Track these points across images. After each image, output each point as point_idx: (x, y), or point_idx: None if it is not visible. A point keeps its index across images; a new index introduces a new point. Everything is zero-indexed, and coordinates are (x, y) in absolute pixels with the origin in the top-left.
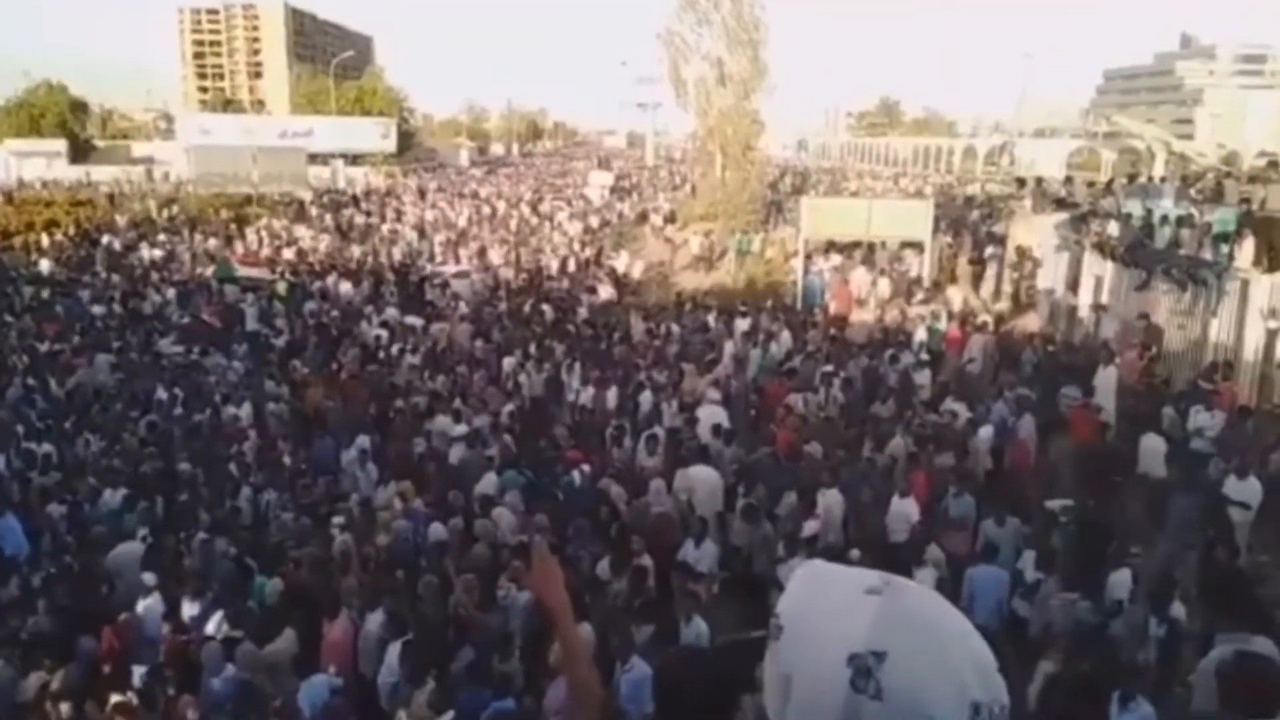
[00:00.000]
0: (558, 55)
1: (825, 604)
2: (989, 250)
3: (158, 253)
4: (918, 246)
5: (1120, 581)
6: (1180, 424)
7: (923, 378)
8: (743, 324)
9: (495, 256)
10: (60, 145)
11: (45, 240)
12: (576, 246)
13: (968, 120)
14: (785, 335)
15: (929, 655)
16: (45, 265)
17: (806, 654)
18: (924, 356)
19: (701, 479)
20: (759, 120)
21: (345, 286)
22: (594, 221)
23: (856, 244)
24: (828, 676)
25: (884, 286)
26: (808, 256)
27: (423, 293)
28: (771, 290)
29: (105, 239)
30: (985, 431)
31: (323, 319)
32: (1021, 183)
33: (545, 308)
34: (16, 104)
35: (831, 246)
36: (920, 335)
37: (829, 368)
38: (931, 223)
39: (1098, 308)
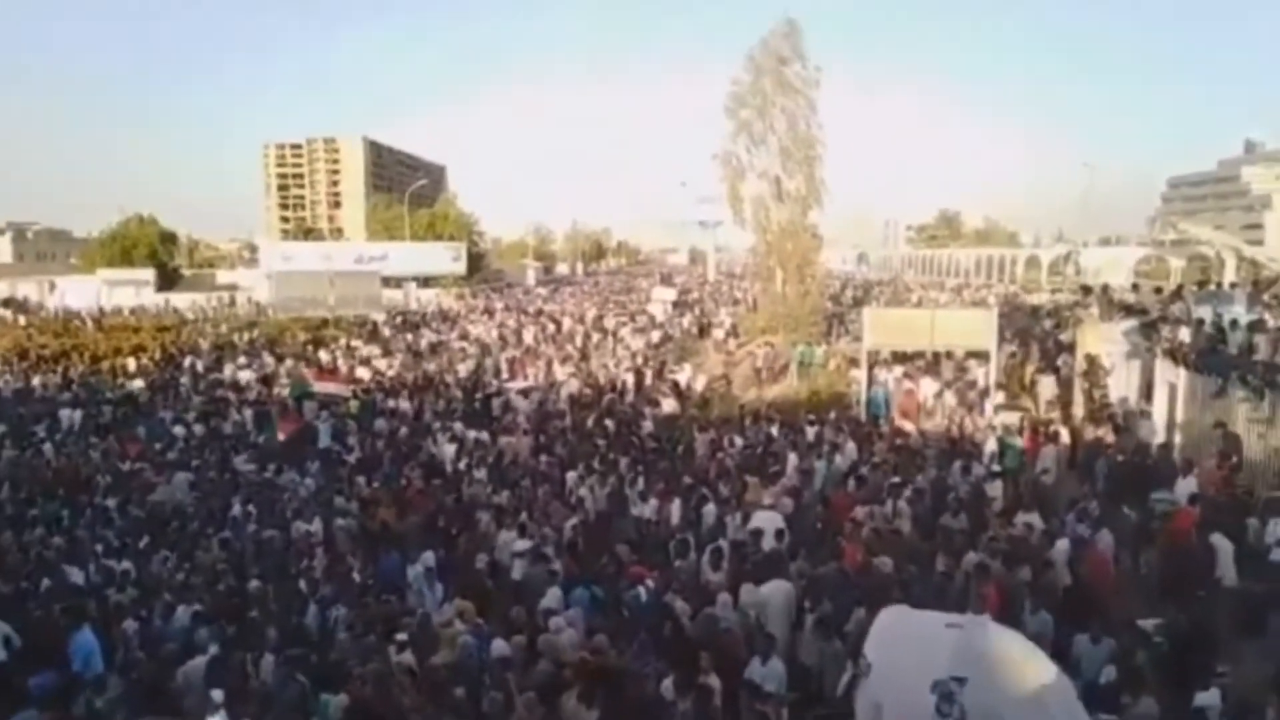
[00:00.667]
0: (620, 177)
1: (909, 639)
2: (1061, 359)
3: (242, 374)
4: (983, 356)
5: (1210, 704)
6: (1263, 535)
7: (994, 489)
8: (807, 436)
9: (560, 372)
10: (149, 274)
11: (131, 364)
12: (640, 361)
13: (1029, 230)
14: (850, 446)
15: (1006, 680)
16: (131, 386)
17: (894, 684)
18: (995, 467)
19: (770, 592)
20: (817, 235)
21: (414, 404)
22: (657, 336)
23: (920, 354)
24: (915, 703)
25: (950, 396)
26: (871, 367)
27: (489, 408)
28: (835, 402)
29: (187, 361)
30: (1062, 544)
31: (392, 436)
32: (1087, 290)
33: (609, 422)
34: (110, 236)
35: (895, 357)
36: (990, 446)
37: (896, 479)
38: (996, 332)
39: (1173, 416)
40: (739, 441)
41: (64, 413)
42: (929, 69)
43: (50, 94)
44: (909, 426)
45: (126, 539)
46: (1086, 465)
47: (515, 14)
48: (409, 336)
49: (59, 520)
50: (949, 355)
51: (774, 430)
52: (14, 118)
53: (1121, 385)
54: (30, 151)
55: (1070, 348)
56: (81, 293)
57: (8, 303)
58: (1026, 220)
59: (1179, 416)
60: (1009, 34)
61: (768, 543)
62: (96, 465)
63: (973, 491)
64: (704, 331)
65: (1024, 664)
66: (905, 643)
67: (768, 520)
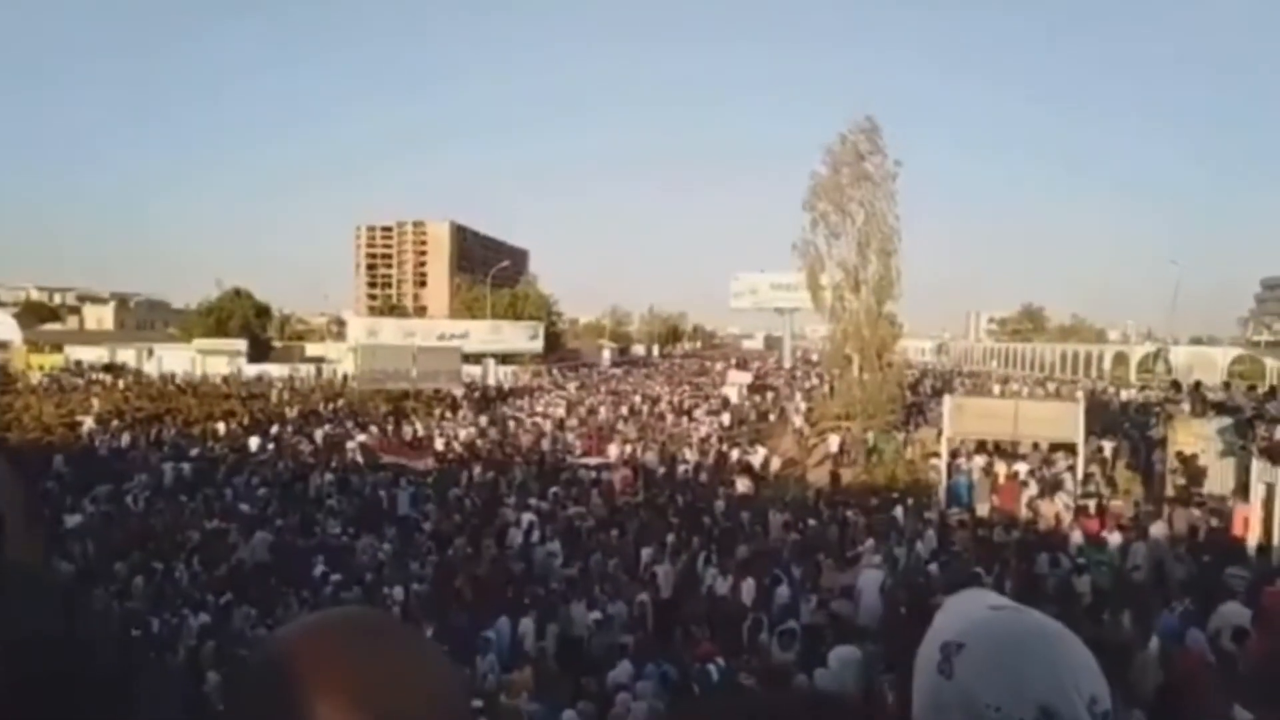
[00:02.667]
0: (698, 263)
1: (955, 610)
2: (1155, 455)
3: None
4: (1069, 449)
5: None
6: None
7: (1082, 584)
8: (885, 521)
9: (634, 450)
10: (241, 345)
11: (221, 428)
12: (714, 442)
13: (1116, 327)
14: (930, 534)
15: (1001, 654)
16: (220, 449)
17: (924, 645)
18: (1081, 561)
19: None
20: (896, 324)
21: (490, 475)
22: (730, 419)
23: (998, 445)
24: (926, 659)
25: (1034, 488)
26: (953, 455)
27: (563, 482)
28: (913, 489)
29: (274, 429)
30: (1154, 644)
31: (468, 505)
32: (1178, 387)
33: (682, 499)
34: (207, 308)
35: (979, 448)
36: (1076, 539)
37: (978, 569)
38: (1083, 424)
39: (1270, 514)
40: (813, 524)
41: (155, 473)
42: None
43: (154, 171)
44: (1010, 513)
45: (209, 594)
46: (1180, 562)
47: (599, 106)
48: (487, 410)
49: (150, 574)
50: (1035, 447)
51: (850, 514)
52: (120, 192)
53: (1216, 483)
54: (133, 225)
55: (1161, 444)
56: (178, 360)
57: (109, 368)
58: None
59: (1276, 515)
60: (1096, 129)
61: (869, 599)
62: (186, 523)
63: (1060, 585)
64: (779, 416)
65: (1031, 643)
66: (948, 616)
67: (871, 579)
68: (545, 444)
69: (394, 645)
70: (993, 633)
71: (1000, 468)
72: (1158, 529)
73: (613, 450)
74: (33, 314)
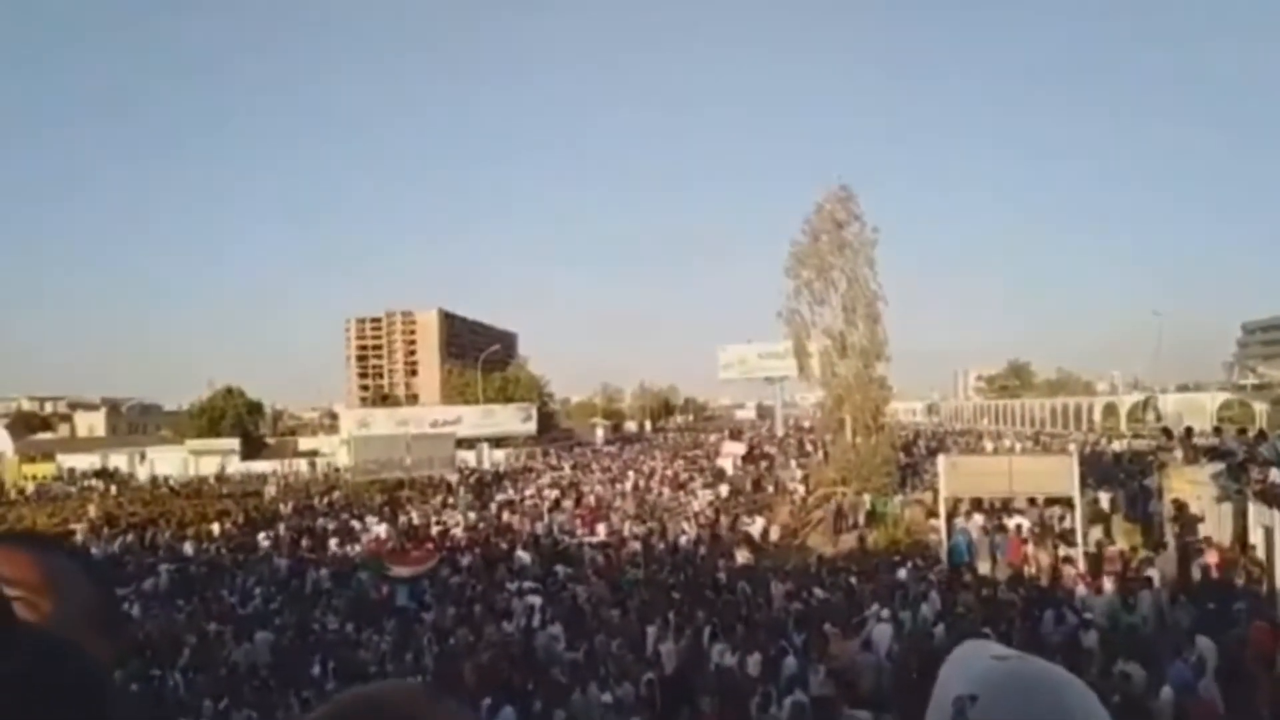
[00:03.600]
0: (686, 337)
1: (961, 663)
2: (1151, 505)
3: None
4: (1065, 503)
5: None
6: None
7: (1089, 639)
8: (888, 585)
9: (631, 527)
10: (234, 444)
11: (216, 528)
12: (711, 514)
13: (1104, 378)
14: (934, 595)
15: (1013, 703)
16: (213, 550)
17: (935, 701)
18: (1087, 616)
19: None
20: (886, 386)
21: (487, 559)
22: (726, 490)
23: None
24: (939, 714)
25: (1032, 545)
26: (950, 516)
27: (564, 562)
28: (913, 551)
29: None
30: (1166, 693)
31: (466, 592)
32: (1169, 434)
33: (683, 574)
34: (199, 409)
35: (975, 507)
36: (1080, 592)
37: (986, 630)
38: (1078, 477)
39: (1271, 559)
40: (818, 592)
41: (150, 578)
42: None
43: (142, 276)
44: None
45: (205, 699)
46: (1184, 610)
47: (579, 187)
48: (482, 494)
49: (147, 682)
50: (1032, 502)
51: (853, 580)
52: (106, 301)
53: (1213, 529)
54: (122, 331)
55: (1157, 492)
56: (170, 462)
57: (100, 473)
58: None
59: (1277, 557)
60: (1070, 182)
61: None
62: (182, 627)
63: (1066, 641)
64: (775, 485)
65: (1041, 694)
66: (954, 668)
67: (882, 633)
68: (542, 525)
69: (443, 715)
70: (1003, 683)
71: (1010, 523)
72: (1159, 577)
73: (610, 527)
74: (23, 424)
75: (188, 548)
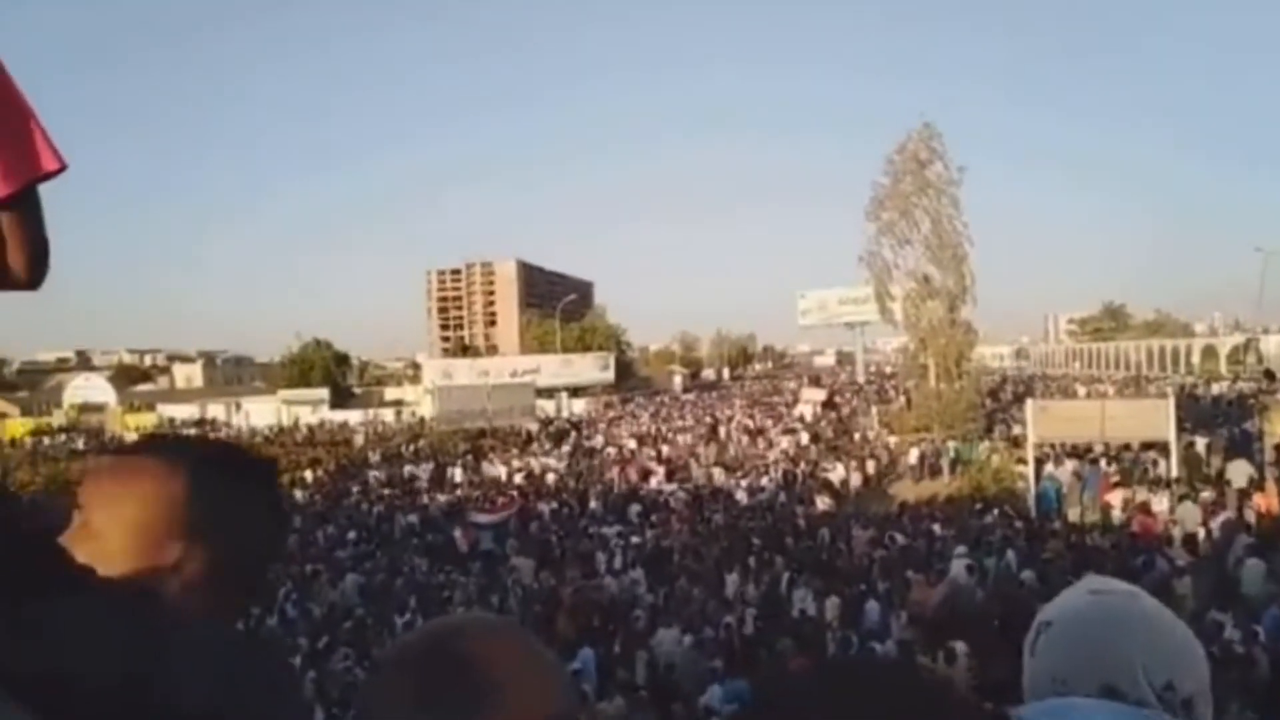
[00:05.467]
0: (764, 283)
1: (1065, 593)
2: (1253, 448)
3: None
4: (1161, 447)
5: None
6: None
7: (1183, 586)
8: (972, 531)
9: (710, 473)
10: (324, 394)
11: (309, 475)
12: (790, 461)
13: (1203, 320)
14: (1020, 542)
15: (1078, 633)
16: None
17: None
18: (1180, 563)
19: None
20: (972, 330)
21: (569, 506)
22: (806, 437)
23: (1089, 448)
24: (1028, 638)
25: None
26: (1039, 462)
27: (644, 509)
28: (1000, 497)
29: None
30: (1262, 640)
31: (548, 537)
32: (1271, 377)
33: (762, 520)
34: (289, 360)
35: (1069, 452)
36: (1176, 539)
37: (1071, 578)
38: (1174, 422)
39: None
40: (900, 538)
41: None
42: (1085, 160)
43: (230, 233)
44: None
45: (302, 639)
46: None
47: (655, 133)
48: (562, 442)
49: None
50: (1126, 448)
51: (936, 527)
52: (201, 257)
53: None
54: (218, 286)
55: (1258, 436)
56: (265, 412)
57: (199, 423)
58: (1199, 310)
59: None
60: (1169, 121)
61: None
62: (279, 569)
63: (1157, 589)
64: (856, 431)
65: (1112, 626)
66: (1057, 599)
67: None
68: (621, 473)
69: (522, 644)
70: (1079, 613)
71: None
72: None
73: (690, 474)
74: (125, 376)
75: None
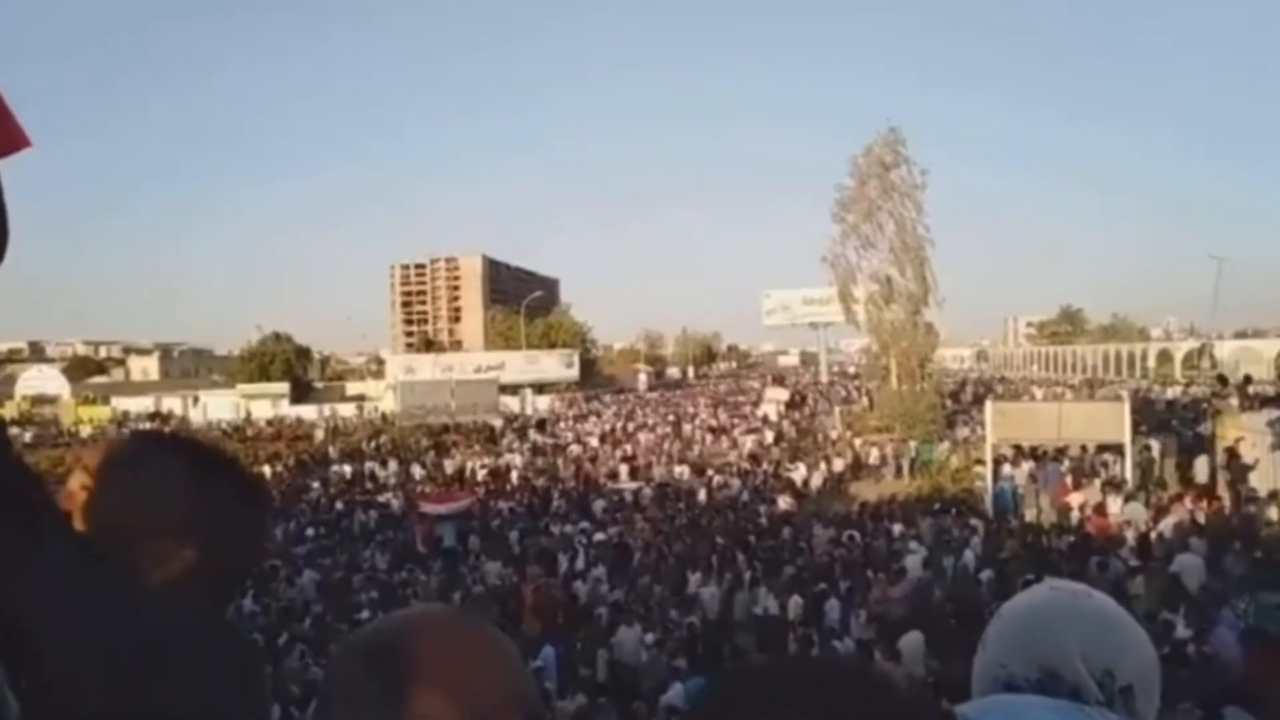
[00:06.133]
0: (729, 282)
1: (1022, 593)
2: (1205, 453)
3: (380, 472)
4: (1115, 449)
5: None
6: None
7: (1136, 586)
8: (931, 531)
9: (674, 471)
10: (284, 388)
11: (268, 471)
12: (753, 460)
13: (1158, 325)
14: (976, 542)
15: (1022, 621)
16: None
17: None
18: (1134, 564)
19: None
20: (933, 332)
21: (531, 503)
22: (770, 436)
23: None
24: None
25: (1084, 492)
26: (996, 463)
27: (606, 506)
28: (957, 498)
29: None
30: (1212, 642)
31: (508, 534)
32: (1224, 382)
33: (725, 518)
34: (249, 353)
35: (1021, 454)
36: (1130, 540)
37: (1030, 576)
38: (1130, 425)
39: None
40: (859, 537)
41: None
42: (1044, 164)
43: (192, 224)
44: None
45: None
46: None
47: (622, 131)
48: (526, 440)
49: None
50: (1082, 450)
51: (896, 527)
52: (157, 247)
53: (1268, 478)
54: (175, 278)
55: (1210, 440)
56: (222, 406)
57: (154, 416)
58: (1155, 315)
59: None
60: (1127, 126)
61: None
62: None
63: (1113, 589)
64: (818, 432)
65: (1051, 618)
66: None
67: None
68: (585, 471)
69: (486, 636)
70: (1026, 603)
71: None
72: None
73: (654, 472)
74: (80, 368)
75: None
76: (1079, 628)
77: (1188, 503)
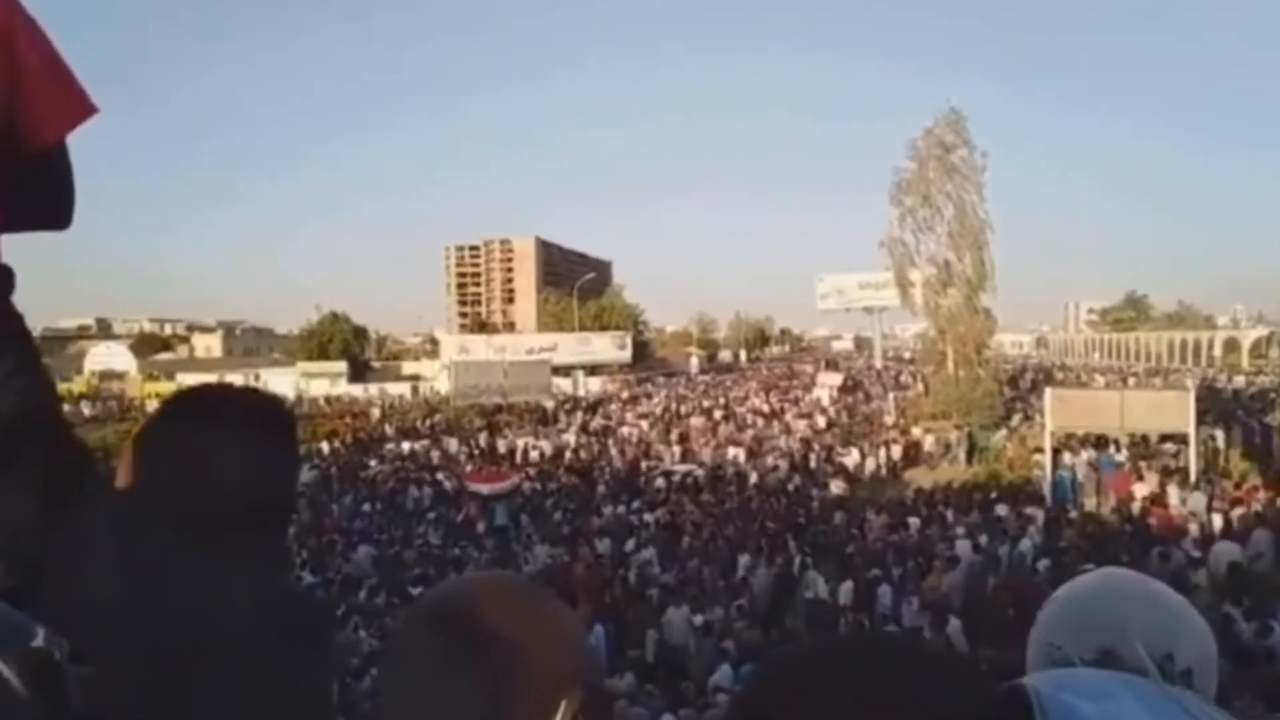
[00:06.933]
0: (783, 266)
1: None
2: (1273, 441)
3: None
4: (1179, 439)
5: None
6: None
7: (1198, 577)
8: (986, 519)
9: (727, 454)
10: (342, 367)
11: (325, 447)
12: (805, 445)
13: (1225, 313)
14: (1034, 531)
15: (1078, 602)
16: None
17: None
18: (1196, 554)
19: None
20: (991, 317)
21: (584, 483)
22: (823, 421)
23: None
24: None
25: (1150, 481)
26: (1056, 451)
27: (657, 489)
28: (1015, 486)
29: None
30: (1275, 637)
31: (563, 515)
32: None
33: (777, 502)
34: (309, 332)
35: (1084, 442)
36: (1193, 531)
37: (1089, 566)
38: (1194, 415)
39: None
40: (914, 523)
41: None
42: (1110, 147)
43: (255, 206)
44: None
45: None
46: None
47: (678, 113)
48: (579, 420)
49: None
50: (1144, 439)
51: (949, 514)
52: (223, 227)
53: None
54: (238, 257)
55: (1277, 431)
56: (283, 383)
57: None
58: (1222, 302)
59: None
60: (1194, 112)
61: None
62: (296, 540)
63: (1173, 580)
64: (870, 416)
65: (1090, 604)
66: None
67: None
68: (637, 451)
69: (549, 603)
70: (1083, 586)
71: (1117, 456)
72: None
73: (704, 454)
74: (146, 345)
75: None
76: (1138, 610)
77: (1258, 494)
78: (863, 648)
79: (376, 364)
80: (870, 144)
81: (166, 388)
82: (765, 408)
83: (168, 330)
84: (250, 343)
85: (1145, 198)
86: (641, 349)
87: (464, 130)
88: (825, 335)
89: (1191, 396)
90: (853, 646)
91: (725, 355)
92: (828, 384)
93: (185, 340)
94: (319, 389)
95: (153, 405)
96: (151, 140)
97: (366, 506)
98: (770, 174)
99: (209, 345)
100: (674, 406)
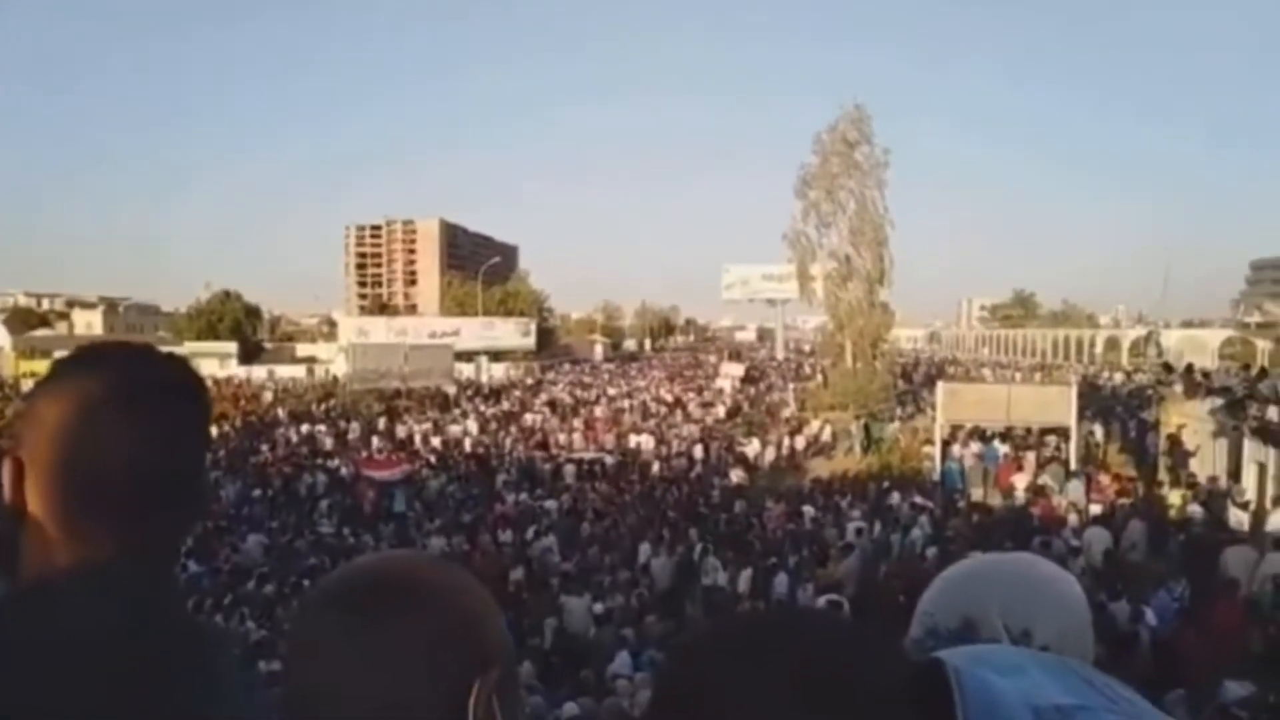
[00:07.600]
0: (689, 255)
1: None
2: (1147, 438)
3: (324, 438)
4: (1061, 433)
5: None
6: None
7: (1076, 566)
8: (879, 508)
9: (628, 442)
10: (232, 347)
11: (214, 431)
12: (707, 434)
13: (1107, 312)
14: (924, 520)
15: (954, 577)
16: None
17: None
18: (1074, 544)
19: None
20: (888, 311)
21: (484, 471)
22: (724, 411)
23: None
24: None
25: (1028, 471)
26: (945, 443)
27: (558, 475)
28: (907, 477)
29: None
30: (1146, 625)
31: (461, 501)
32: (1169, 369)
33: (677, 491)
34: (197, 311)
35: (971, 434)
36: (1072, 521)
37: (974, 553)
38: (1076, 409)
39: (1263, 495)
40: (810, 511)
41: None
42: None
43: (140, 175)
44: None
45: (208, 598)
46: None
47: (585, 100)
48: (479, 407)
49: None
50: (1027, 431)
51: (844, 503)
52: (106, 198)
53: (1208, 464)
54: (122, 229)
55: (1154, 426)
56: None
57: None
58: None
59: (1269, 495)
60: (1085, 114)
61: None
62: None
63: None
64: (772, 407)
65: (975, 578)
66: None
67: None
68: (539, 439)
69: (458, 579)
70: (963, 564)
71: (1001, 449)
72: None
73: (607, 442)
74: (21, 320)
75: None
76: (1001, 588)
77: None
78: (786, 626)
79: (269, 345)
80: (780, 136)
81: (43, 366)
82: (669, 396)
83: (45, 305)
84: (134, 320)
85: (1037, 198)
86: (546, 336)
87: (369, 111)
88: (729, 326)
89: (1074, 392)
90: (775, 626)
91: (630, 344)
92: (730, 374)
93: (64, 316)
94: (208, 370)
95: (28, 385)
96: (37, 105)
97: (257, 493)
98: (679, 164)
99: (90, 322)
100: (578, 394)
